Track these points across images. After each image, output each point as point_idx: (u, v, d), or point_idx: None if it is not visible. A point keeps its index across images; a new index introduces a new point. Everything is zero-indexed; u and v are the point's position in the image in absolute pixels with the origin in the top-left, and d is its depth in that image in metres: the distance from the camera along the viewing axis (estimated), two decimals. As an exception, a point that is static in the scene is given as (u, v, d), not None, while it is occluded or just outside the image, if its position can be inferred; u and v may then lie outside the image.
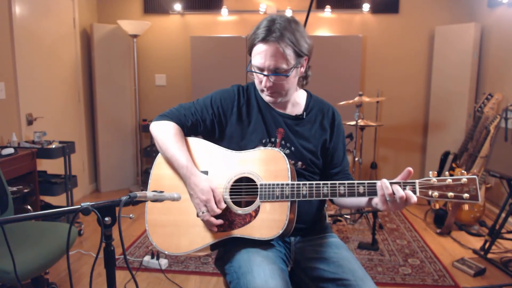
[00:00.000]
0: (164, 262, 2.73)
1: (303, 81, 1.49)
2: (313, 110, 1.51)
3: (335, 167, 1.52)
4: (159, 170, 1.47)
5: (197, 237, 1.37)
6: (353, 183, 1.26)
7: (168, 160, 1.43)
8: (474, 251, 3.01)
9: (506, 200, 2.93)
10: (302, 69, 1.42)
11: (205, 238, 1.36)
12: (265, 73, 1.35)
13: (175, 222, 1.40)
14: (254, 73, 1.39)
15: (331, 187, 1.28)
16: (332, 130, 1.51)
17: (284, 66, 1.32)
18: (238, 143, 1.46)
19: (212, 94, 1.53)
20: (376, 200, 1.24)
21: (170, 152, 1.40)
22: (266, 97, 1.43)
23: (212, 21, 4.55)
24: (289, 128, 1.46)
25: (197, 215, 1.36)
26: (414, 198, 1.16)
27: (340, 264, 1.32)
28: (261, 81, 1.38)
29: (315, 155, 1.46)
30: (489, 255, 2.89)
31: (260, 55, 1.33)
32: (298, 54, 1.35)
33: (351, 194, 1.26)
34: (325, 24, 4.49)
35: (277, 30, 1.30)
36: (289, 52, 1.32)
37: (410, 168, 1.19)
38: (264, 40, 1.31)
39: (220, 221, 1.34)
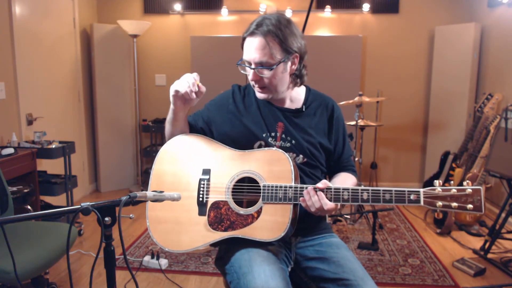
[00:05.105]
0: (164, 262, 2.73)
1: (296, 79, 1.50)
2: (312, 103, 1.53)
3: (334, 159, 1.55)
4: (161, 165, 1.47)
5: (197, 235, 1.37)
6: (357, 189, 1.28)
7: (171, 121, 1.49)
8: (474, 251, 3.01)
9: (506, 200, 2.93)
10: (294, 67, 1.44)
11: (206, 237, 1.36)
12: (252, 66, 1.38)
13: (176, 219, 1.40)
14: (242, 67, 1.45)
15: (334, 192, 1.28)
16: (331, 123, 1.52)
17: (269, 60, 1.36)
18: (238, 140, 1.46)
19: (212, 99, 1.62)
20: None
21: (168, 116, 1.51)
22: (257, 93, 1.47)
23: (212, 21, 4.54)
24: (288, 122, 1.48)
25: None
26: (328, 206, 1.26)
27: (340, 264, 1.33)
28: (249, 75, 1.43)
29: (315, 147, 1.47)
30: (489, 255, 2.89)
31: (247, 48, 1.39)
32: (286, 50, 1.37)
33: (355, 200, 1.27)
34: (325, 24, 4.48)
35: (265, 25, 1.35)
36: (275, 46, 1.36)
37: (326, 181, 1.29)
38: (252, 33, 1.37)
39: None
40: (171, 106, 1.44)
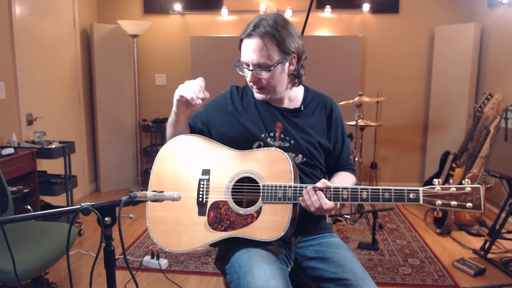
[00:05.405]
0: (164, 262, 2.73)
1: (295, 79, 1.50)
2: (311, 103, 1.53)
3: (333, 159, 1.56)
4: (161, 165, 1.47)
5: (197, 235, 1.37)
6: (356, 189, 1.27)
7: (173, 124, 1.49)
8: (474, 251, 3.01)
9: (506, 200, 2.93)
10: (292, 67, 1.45)
11: (206, 237, 1.36)
12: (250, 68, 1.39)
13: (176, 219, 1.41)
14: (240, 68, 1.45)
15: (334, 191, 1.28)
16: (330, 122, 1.52)
17: (266, 61, 1.36)
18: (237, 140, 1.47)
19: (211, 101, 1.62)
20: None
21: (170, 118, 1.51)
22: (255, 93, 1.47)
23: (212, 21, 4.55)
24: (287, 122, 1.48)
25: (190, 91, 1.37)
26: (327, 205, 1.27)
27: (340, 264, 1.33)
28: (247, 76, 1.43)
29: (314, 146, 1.47)
30: (489, 255, 2.89)
31: (245, 49, 1.39)
32: (283, 51, 1.37)
33: (354, 199, 1.27)
34: (325, 24, 4.48)
35: (262, 26, 1.35)
36: (272, 47, 1.36)
37: (325, 180, 1.30)
38: (249, 35, 1.37)
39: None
40: (174, 108, 1.44)
